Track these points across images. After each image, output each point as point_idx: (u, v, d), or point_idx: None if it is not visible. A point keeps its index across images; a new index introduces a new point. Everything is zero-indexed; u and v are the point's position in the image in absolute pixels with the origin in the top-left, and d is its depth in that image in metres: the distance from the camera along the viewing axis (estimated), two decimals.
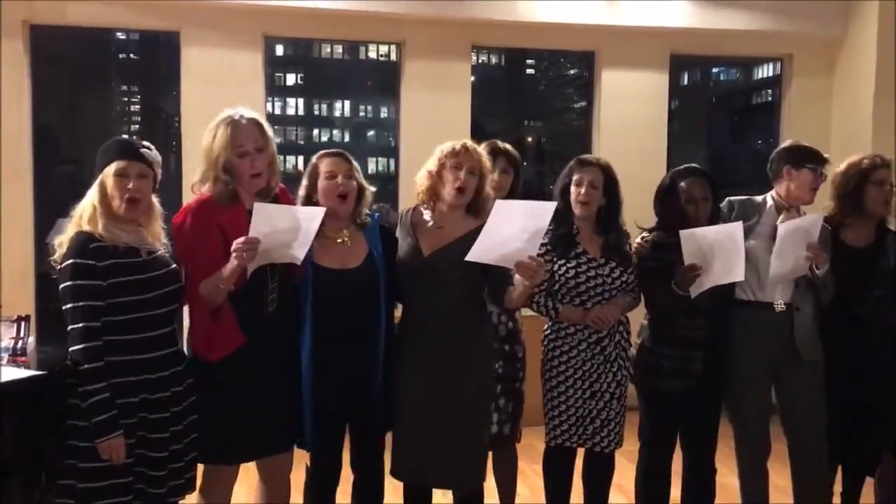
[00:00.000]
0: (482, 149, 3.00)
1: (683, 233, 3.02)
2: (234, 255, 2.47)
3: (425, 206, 2.97)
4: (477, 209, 2.92)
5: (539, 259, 2.68)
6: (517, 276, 2.75)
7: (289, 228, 2.56)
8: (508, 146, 3.40)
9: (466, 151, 2.88)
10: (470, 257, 2.66)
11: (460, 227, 2.90)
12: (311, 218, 2.59)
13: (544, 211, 2.65)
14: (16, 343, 2.96)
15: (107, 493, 2.45)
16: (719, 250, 3.00)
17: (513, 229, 2.61)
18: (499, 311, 3.15)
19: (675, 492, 3.42)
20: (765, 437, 3.37)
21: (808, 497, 3.42)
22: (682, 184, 3.23)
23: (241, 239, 2.47)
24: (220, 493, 2.79)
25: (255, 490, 2.96)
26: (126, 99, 6.87)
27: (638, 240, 3.28)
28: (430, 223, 2.93)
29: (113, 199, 2.48)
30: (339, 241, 2.83)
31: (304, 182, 2.88)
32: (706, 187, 3.23)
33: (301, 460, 2.94)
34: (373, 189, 2.96)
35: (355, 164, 2.90)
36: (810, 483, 3.40)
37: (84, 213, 2.48)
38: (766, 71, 6.57)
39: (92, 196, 2.50)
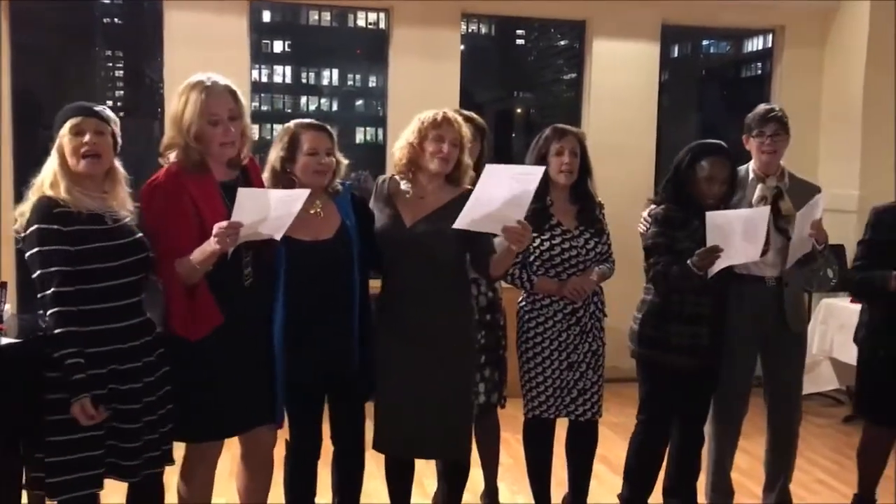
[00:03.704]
0: (460, 118, 2.95)
1: (711, 214, 2.98)
2: (215, 240, 2.40)
3: (402, 176, 2.93)
4: (456, 179, 2.90)
5: (525, 223, 2.64)
6: (502, 242, 2.72)
7: (271, 212, 2.50)
8: (474, 114, 3.36)
9: (448, 122, 2.85)
10: (458, 224, 2.63)
11: (441, 197, 2.88)
12: (293, 200, 2.54)
13: (532, 175, 2.63)
14: None
15: (77, 467, 2.39)
16: (742, 233, 2.99)
17: (501, 193, 2.58)
18: (482, 280, 3.14)
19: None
20: (745, 399, 3.46)
21: (781, 461, 3.53)
22: (704, 162, 3.16)
23: (224, 224, 2.40)
24: (203, 473, 2.74)
25: (237, 469, 2.91)
26: (110, 64, 6.75)
27: (644, 214, 3.25)
28: (410, 193, 2.90)
29: (70, 158, 2.40)
30: (311, 212, 2.76)
31: (280, 151, 2.77)
32: (728, 168, 3.17)
33: (282, 435, 2.91)
34: (346, 161, 2.88)
35: (335, 137, 2.83)
36: (785, 447, 3.51)
37: (45, 180, 2.41)
38: (756, 44, 6.51)
39: (51, 161, 2.42)
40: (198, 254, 2.45)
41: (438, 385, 2.84)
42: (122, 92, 6.66)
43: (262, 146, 3.26)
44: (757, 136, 3.36)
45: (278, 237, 2.57)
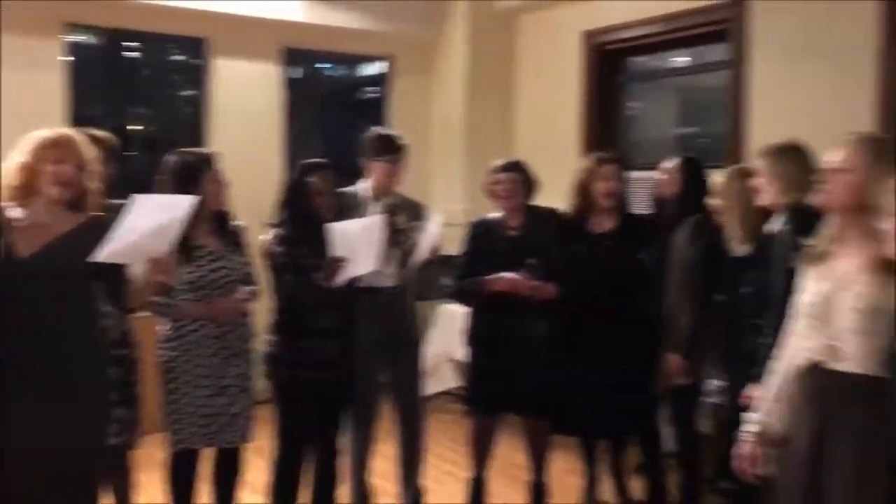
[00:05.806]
0: (84, 138, 2.71)
1: (331, 226, 3.12)
2: None
3: (16, 201, 2.61)
4: (80, 205, 2.64)
5: (171, 254, 2.54)
6: (144, 272, 2.57)
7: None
8: (104, 133, 3.18)
9: (69, 143, 2.58)
10: (100, 257, 2.42)
11: (63, 224, 2.59)
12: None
13: (181, 204, 2.53)
14: None
15: None
16: (361, 242, 3.17)
17: (147, 224, 2.45)
18: (116, 311, 2.91)
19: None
20: (376, 406, 3.70)
21: (411, 459, 3.83)
22: (312, 178, 3.27)
23: None
24: None
25: None
26: None
27: (268, 236, 3.26)
28: (26, 221, 2.59)
29: None
30: None
31: None
32: (332, 180, 3.33)
33: None
34: None
35: None
36: (414, 445, 3.81)
37: None
38: (372, 69, 6.90)
39: None
40: None
41: (68, 431, 2.54)
42: None
43: None
44: (380, 161, 3.63)
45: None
